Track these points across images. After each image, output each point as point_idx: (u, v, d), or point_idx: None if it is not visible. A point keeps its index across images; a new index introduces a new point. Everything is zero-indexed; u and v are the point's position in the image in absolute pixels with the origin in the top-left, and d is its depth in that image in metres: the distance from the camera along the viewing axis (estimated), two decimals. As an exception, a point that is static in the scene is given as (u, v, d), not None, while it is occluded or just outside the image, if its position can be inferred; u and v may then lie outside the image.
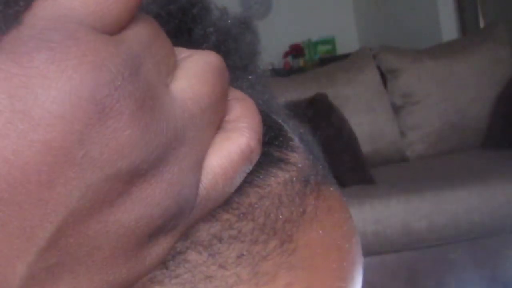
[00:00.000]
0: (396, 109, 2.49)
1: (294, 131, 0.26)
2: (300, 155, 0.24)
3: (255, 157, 0.20)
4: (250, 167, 0.20)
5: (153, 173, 0.16)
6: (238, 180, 0.20)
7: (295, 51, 4.49)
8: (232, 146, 0.19)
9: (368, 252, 1.77)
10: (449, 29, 3.41)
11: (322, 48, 4.45)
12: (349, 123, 2.19)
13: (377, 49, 2.65)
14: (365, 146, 2.29)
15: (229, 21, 0.26)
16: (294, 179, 0.23)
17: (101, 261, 0.17)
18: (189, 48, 0.20)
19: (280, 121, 0.25)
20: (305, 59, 4.41)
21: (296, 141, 0.25)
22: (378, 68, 2.53)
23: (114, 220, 0.16)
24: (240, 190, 0.21)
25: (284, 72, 4.03)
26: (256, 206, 0.22)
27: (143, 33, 0.17)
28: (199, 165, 0.18)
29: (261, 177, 0.22)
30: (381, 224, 1.76)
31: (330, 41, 4.50)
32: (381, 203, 1.78)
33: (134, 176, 0.16)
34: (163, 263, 0.20)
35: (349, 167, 2.04)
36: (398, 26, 3.94)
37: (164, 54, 0.18)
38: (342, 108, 2.27)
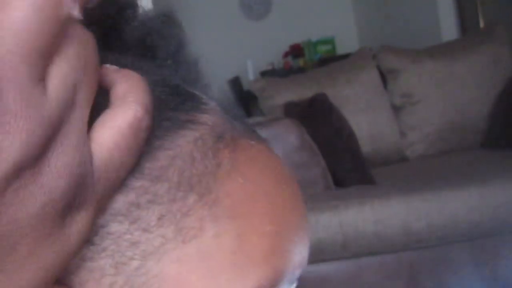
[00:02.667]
0: (396, 109, 2.49)
1: (212, 98, 0.28)
2: (212, 116, 0.26)
3: (146, 126, 0.22)
4: (144, 135, 0.22)
5: (39, 164, 0.18)
6: (136, 148, 0.21)
7: (295, 51, 4.49)
8: (120, 120, 0.21)
9: (368, 252, 1.78)
10: (449, 29, 3.41)
11: (322, 48, 4.46)
12: (349, 123, 2.18)
13: (377, 49, 2.65)
14: (365, 146, 2.29)
15: (154, 17, 0.29)
16: (206, 136, 0.25)
17: (27, 251, 0.18)
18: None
19: (194, 91, 0.27)
20: (305, 59, 4.41)
21: (210, 105, 0.27)
22: (378, 68, 2.53)
23: (21, 215, 0.17)
24: (149, 155, 0.23)
25: (284, 72, 4.03)
26: (168, 166, 0.23)
27: None
28: (83, 143, 0.19)
29: (169, 140, 0.24)
30: (381, 224, 1.76)
31: (330, 41, 4.50)
32: (381, 203, 1.78)
33: (21, 172, 0.17)
34: (89, 241, 0.21)
35: (349, 167, 2.04)
36: (398, 26, 3.94)
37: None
38: (342, 108, 2.27)
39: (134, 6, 0.28)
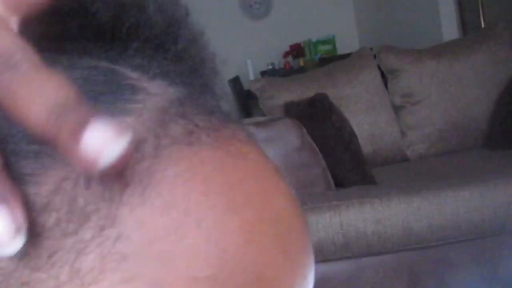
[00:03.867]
0: (397, 109, 2.49)
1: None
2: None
3: None
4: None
5: None
6: None
7: (295, 51, 4.49)
8: None
9: (368, 252, 1.78)
10: (449, 29, 3.41)
11: (322, 48, 4.45)
12: (349, 123, 2.18)
13: (378, 49, 2.65)
14: (366, 146, 2.29)
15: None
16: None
17: None
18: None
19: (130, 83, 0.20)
20: (305, 59, 4.41)
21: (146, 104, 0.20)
22: (379, 68, 2.53)
23: None
24: (32, 182, 0.18)
25: (284, 72, 4.03)
26: (55, 192, 0.18)
27: None
28: None
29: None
30: (382, 224, 1.76)
31: (330, 41, 4.50)
32: (381, 203, 1.78)
33: None
34: None
35: (349, 167, 2.04)
36: (398, 26, 3.94)
37: None
38: (342, 108, 2.27)
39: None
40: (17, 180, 0.18)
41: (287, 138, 1.88)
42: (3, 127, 0.18)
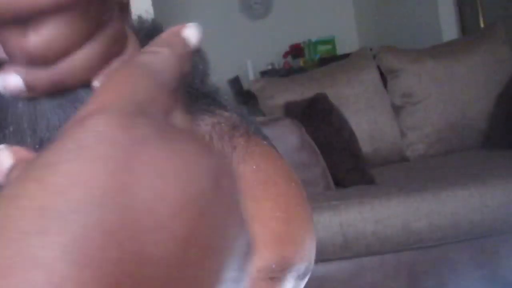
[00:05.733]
0: (396, 109, 2.49)
1: (227, 102, 0.30)
2: (228, 112, 0.29)
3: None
4: None
5: None
6: None
7: (295, 51, 4.49)
8: None
9: (368, 252, 1.78)
10: (449, 29, 3.41)
11: (322, 48, 4.45)
12: (349, 123, 2.18)
13: (377, 49, 2.65)
14: (365, 146, 2.29)
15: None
16: (222, 124, 0.27)
17: None
18: None
19: (212, 91, 0.30)
20: (305, 59, 4.41)
21: (228, 107, 0.29)
22: (378, 68, 2.53)
23: None
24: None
25: (284, 72, 4.02)
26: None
27: None
28: None
29: (194, 120, 0.26)
30: (381, 224, 1.76)
31: (330, 41, 4.50)
32: (381, 203, 1.78)
33: None
34: None
35: (349, 167, 2.04)
36: (398, 26, 3.94)
37: None
38: (342, 108, 2.27)
39: None
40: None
41: (287, 138, 1.88)
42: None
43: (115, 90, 0.17)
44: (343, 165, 2.03)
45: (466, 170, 1.97)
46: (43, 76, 0.20)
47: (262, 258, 0.25)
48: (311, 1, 4.69)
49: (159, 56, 0.20)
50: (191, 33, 0.22)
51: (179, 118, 0.19)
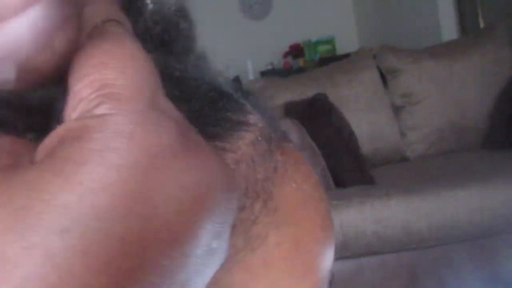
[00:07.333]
0: (396, 109, 2.49)
1: (243, 99, 0.26)
2: (256, 116, 0.25)
3: None
4: None
5: None
6: None
7: (295, 51, 4.49)
8: None
9: (368, 252, 1.78)
10: (449, 29, 3.41)
11: (322, 48, 4.45)
12: (349, 123, 2.18)
13: (377, 49, 2.65)
14: (365, 146, 2.29)
15: (168, 10, 0.26)
16: (259, 138, 0.24)
17: None
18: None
19: (228, 90, 0.26)
20: (305, 59, 4.41)
21: (248, 106, 0.25)
22: (378, 68, 2.53)
23: None
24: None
25: (284, 72, 4.02)
26: (235, 172, 0.22)
27: None
28: None
29: (230, 141, 0.23)
30: (381, 224, 1.76)
31: (330, 41, 4.50)
32: (381, 203, 1.78)
33: None
34: None
35: (349, 167, 2.04)
36: (398, 26, 3.94)
37: None
38: (342, 108, 2.27)
39: None
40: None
41: (287, 138, 1.88)
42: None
43: (120, 78, 0.16)
44: (343, 165, 2.03)
45: (466, 170, 1.97)
46: None
47: (306, 285, 0.24)
48: (311, 1, 4.69)
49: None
50: None
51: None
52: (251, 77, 4.23)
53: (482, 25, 3.25)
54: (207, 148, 0.16)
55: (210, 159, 0.16)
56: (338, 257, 1.87)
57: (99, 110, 0.15)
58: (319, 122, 2.12)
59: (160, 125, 0.15)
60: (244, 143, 0.23)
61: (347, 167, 2.04)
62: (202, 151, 0.16)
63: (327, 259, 0.25)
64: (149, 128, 0.15)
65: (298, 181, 0.25)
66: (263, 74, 4.20)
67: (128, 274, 0.13)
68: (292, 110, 2.26)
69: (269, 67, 4.41)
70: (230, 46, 4.44)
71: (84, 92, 0.16)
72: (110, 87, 0.15)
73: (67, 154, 0.14)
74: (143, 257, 0.14)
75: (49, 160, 0.14)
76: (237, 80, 4.20)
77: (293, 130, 1.90)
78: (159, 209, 0.14)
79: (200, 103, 0.23)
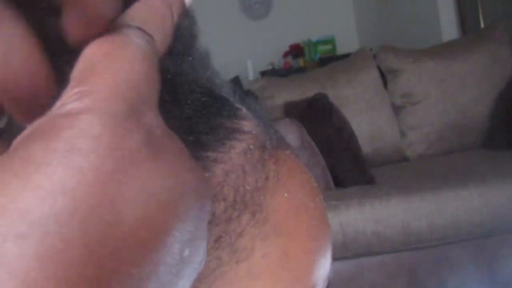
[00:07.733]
0: (396, 109, 2.49)
1: (240, 102, 0.25)
2: (250, 122, 0.24)
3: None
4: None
5: None
6: None
7: (295, 51, 4.49)
8: None
9: (368, 252, 1.78)
10: (449, 29, 3.41)
11: (322, 48, 4.45)
12: (349, 123, 2.18)
13: (377, 49, 2.65)
14: (365, 146, 2.29)
15: None
16: (252, 146, 0.23)
17: None
18: None
19: (223, 94, 0.25)
20: (305, 59, 4.41)
21: (244, 111, 0.25)
22: (378, 68, 2.53)
23: None
24: (208, 170, 0.21)
25: (284, 72, 4.02)
26: (224, 183, 0.22)
27: None
28: None
29: (222, 151, 0.22)
30: (381, 224, 1.76)
31: (330, 41, 4.50)
32: (381, 203, 1.78)
33: None
34: None
35: (349, 167, 2.04)
36: (398, 26, 3.94)
37: None
38: (342, 108, 2.27)
39: None
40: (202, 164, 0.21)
41: (287, 138, 1.87)
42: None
43: (108, 78, 0.15)
44: (343, 165, 2.03)
45: (466, 170, 1.97)
46: None
47: None
48: (311, 1, 4.69)
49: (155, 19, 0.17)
50: None
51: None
52: (251, 77, 4.23)
53: (482, 25, 3.25)
54: (181, 156, 0.16)
55: (183, 167, 0.15)
56: (338, 257, 1.87)
57: (73, 106, 0.14)
58: (319, 122, 2.12)
59: (133, 131, 0.14)
60: (236, 152, 0.23)
61: (347, 167, 2.04)
62: (175, 159, 0.15)
63: (320, 269, 0.25)
64: (120, 132, 0.14)
65: (291, 190, 0.24)
66: (263, 74, 4.20)
67: (92, 283, 0.13)
68: (292, 110, 2.26)
69: (269, 67, 4.41)
70: (230, 46, 4.44)
71: (69, 85, 0.15)
72: (92, 85, 0.15)
73: (29, 153, 0.13)
74: (108, 265, 0.13)
75: (9, 159, 0.13)
76: (237, 80, 4.19)
77: (293, 130, 1.90)
78: (124, 214, 0.13)
79: (193, 109, 0.22)
